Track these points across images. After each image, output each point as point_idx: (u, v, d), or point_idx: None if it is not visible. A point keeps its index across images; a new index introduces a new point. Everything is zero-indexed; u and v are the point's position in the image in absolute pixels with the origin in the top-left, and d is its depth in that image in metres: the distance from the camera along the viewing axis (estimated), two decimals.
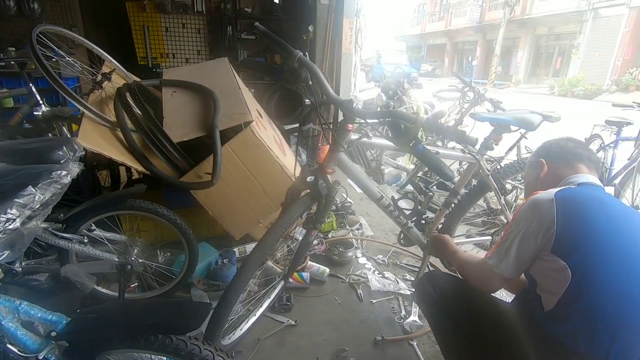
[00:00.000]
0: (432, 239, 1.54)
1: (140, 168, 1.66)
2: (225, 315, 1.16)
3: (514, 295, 1.19)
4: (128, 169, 2.34)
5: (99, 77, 2.00)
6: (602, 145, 3.00)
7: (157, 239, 1.84)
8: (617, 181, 2.75)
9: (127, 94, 1.80)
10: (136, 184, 1.60)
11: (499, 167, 1.82)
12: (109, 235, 1.58)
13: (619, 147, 2.88)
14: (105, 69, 2.10)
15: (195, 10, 4.41)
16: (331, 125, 1.28)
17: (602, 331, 0.84)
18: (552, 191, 0.98)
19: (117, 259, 1.55)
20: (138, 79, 2.28)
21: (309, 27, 3.84)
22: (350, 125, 1.22)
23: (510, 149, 3.05)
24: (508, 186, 1.97)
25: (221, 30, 4.48)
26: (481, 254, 1.48)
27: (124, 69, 2.26)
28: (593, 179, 1.06)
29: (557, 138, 1.20)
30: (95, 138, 1.61)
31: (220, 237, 2.13)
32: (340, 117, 1.25)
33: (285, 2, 4.56)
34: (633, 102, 2.81)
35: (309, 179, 1.27)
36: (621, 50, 13.77)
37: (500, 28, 17.40)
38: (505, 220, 1.83)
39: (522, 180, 2.42)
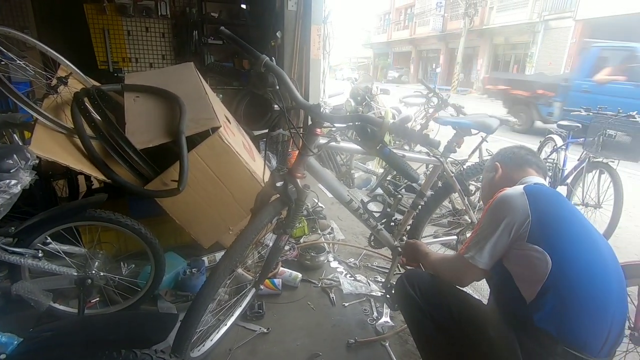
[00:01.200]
0: (404, 247, 1.59)
1: (101, 176, 1.59)
2: (193, 326, 1.12)
3: (489, 297, 1.23)
4: (88, 177, 2.22)
5: (54, 82, 1.89)
6: (555, 147, 3.20)
7: (120, 250, 1.75)
8: (569, 181, 2.94)
9: (86, 99, 1.72)
10: (97, 194, 1.52)
11: (462, 169, 1.90)
12: (66, 248, 1.49)
13: (570, 149, 3.09)
14: (61, 73, 1.99)
15: (159, 14, 4.29)
16: (300, 130, 1.29)
17: (579, 313, 0.92)
18: (519, 187, 1.07)
19: (75, 273, 1.46)
20: (98, 84, 2.18)
21: (277, 33, 3.84)
22: (318, 130, 1.23)
23: (473, 151, 3.20)
24: (471, 187, 2.06)
25: (187, 35, 4.38)
26: (449, 253, 1.54)
27: (81, 73, 2.15)
28: (542, 181, 1.18)
29: (511, 146, 1.33)
30: (50, 145, 1.52)
31: (188, 246, 2.07)
32: (310, 122, 1.26)
33: (253, 8, 4.55)
34: (581, 107, 3.03)
35: (278, 183, 1.27)
36: (569, 60, 14.85)
37: (461, 37, 18.29)
38: (470, 220, 1.91)
39: None
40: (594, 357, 0.92)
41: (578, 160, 2.89)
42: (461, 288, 1.23)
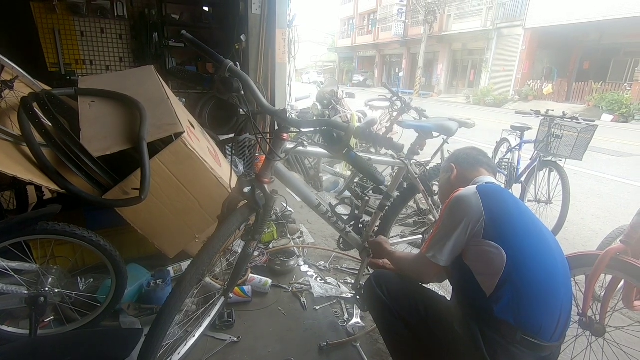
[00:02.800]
0: (371, 244, 1.62)
1: (54, 186, 1.49)
2: (159, 340, 1.07)
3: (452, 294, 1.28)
4: (39, 188, 2.08)
5: None
6: (510, 147, 3.41)
7: (77, 264, 1.65)
8: (523, 179, 3.14)
9: (35, 104, 1.61)
10: (49, 205, 1.42)
11: (425, 170, 1.97)
12: (15, 265, 1.38)
13: (523, 149, 3.30)
14: (5, 76, 1.85)
15: (116, 14, 4.10)
16: (267, 135, 1.28)
17: (533, 301, 0.98)
18: (472, 187, 1.13)
19: (26, 292, 1.36)
20: (48, 88, 2.05)
21: (242, 37, 3.80)
22: (285, 135, 1.23)
23: (435, 153, 3.31)
24: (435, 188, 2.14)
25: (147, 37, 4.21)
26: (411, 252, 1.60)
27: (29, 77, 2.01)
28: (494, 180, 1.26)
29: (464, 147, 1.41)
30: None
31: (152, 257, 1.98)
32: (277, 127, 1.26)
33: (216, 11, 4.47)
34: (531, 110, 3.24)
35: (246, 189, 1.25)
36: (520, 65, 15.90)
37: (422, 43, 19.01)
38: (434, 219, 1.98)
39: None
40: (547, 341, 0.99)
41: (530, 159, 3.09)
42: (426, 286, 1.29)
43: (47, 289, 1.39)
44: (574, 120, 2.82)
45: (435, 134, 1.75)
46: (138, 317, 1.65)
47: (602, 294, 1.46)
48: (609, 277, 1.47)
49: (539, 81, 15.20)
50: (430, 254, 1.13)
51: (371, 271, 2.13)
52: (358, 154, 1.16)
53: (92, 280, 1.70)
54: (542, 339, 0.98)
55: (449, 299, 1.29)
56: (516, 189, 3.19)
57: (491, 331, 1.00)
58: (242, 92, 1.13)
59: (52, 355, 0.79)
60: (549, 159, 2.90)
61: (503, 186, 1.32)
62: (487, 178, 1.25)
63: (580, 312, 1.42)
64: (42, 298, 1.37)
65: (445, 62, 20.33)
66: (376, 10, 25.65)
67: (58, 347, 0.84)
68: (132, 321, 1.63)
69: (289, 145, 1.28)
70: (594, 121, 2.81)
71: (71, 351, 0.81)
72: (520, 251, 1.01)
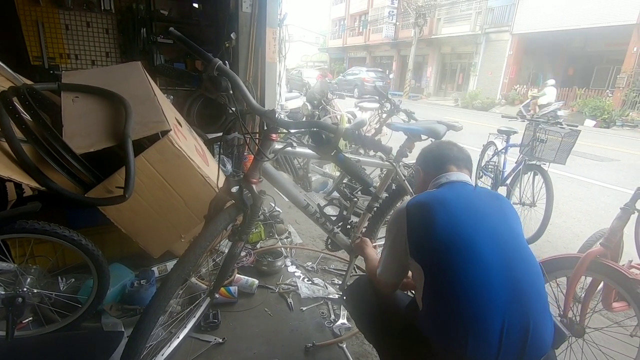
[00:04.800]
0: (356, 242, 1.63)
1: (34, 184, 1.44)
2: (142, 342, 1.05)
3: None
4: (18, 185, 2.01)
5: None
6: (496, 150, 3.46)
7: (57, 264, 1.61)
8: (508, 182, 3.19)
9: (15, 99, 1.56)
10: (29, 202, 1.38)
11: (413, 172, 1.98)
12: None
13: (509, 152, 3.36)
14: None
15: (103, 8, 4.01)
16: (256, 135, 1.27)
17: (453, 322, 0.90)
18: (407, 200, 1.12)
19: (3, 292, 1.31)
20: (29, 82, 1.99)
21: (232, 35, 3.76)
22: (274, 135, 1.22)
23: None
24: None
25: (134, 32, 4.13)
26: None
27: (9, 70, 1.95)
28: (461, 176, 1.14)
29: (431, 144, 1.29)
30: None
31: (136, 256, 1.94)
32: (265, 127, 1.25)
33: (206, 8, 4.41)
34: (517, 113, 3.31)
35: (233, 189, 1.24)
36: (507, 70, 16.20)
37: (412, 45, 19.19)
38: None
39: None
40: (490, 357, 0.88)
41: (516, 162, 3.15)
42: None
43: (25, 289, 1.35)
44: (558, 125, 2.89)
45: (423, 136, 1.76)
46: (121, 318, 1.62)
47: (583, 295, 1.50)
48: (589, 279, 1.51)
49: (525, 86, 15.52)
50: (379, 270, 1.15)
51: (358, 272, 2.14)
52: (347, 155, 1.16)
53: (73, 280, 1.66)
54: (478, 355, 0.87)
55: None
56: (502, 192, 3.24)
57: (420, 343, 0.95)
58: (231, 92, 1.12)
59: (30, 358, 0.77)
60: (534, 162, 2.96)
61: (477, 184, 1.22)
62: (452, 175, 1.13)
63: (562, 313, 1.45)
64: (20, 299, 1.32)
65: (434, 65, 20.56)
66: (367, 12, 25.76)
67: (36, 349, 0.81)
68: (114, 322, 1.59)
69: (278, 146, 1.27)
70: (577, 126, 2.88)
71: (50, 354, 0.78)
72: (438, 270, 0.94)
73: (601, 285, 1.51)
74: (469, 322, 0.88)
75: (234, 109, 1.18)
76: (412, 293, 1.28)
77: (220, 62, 1.11)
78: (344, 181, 3.25)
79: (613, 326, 1.63)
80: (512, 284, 0.91)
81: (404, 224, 1.02)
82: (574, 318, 1.46)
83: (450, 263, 0.93)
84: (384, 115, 3.54)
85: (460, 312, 0.90)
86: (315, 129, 1.16)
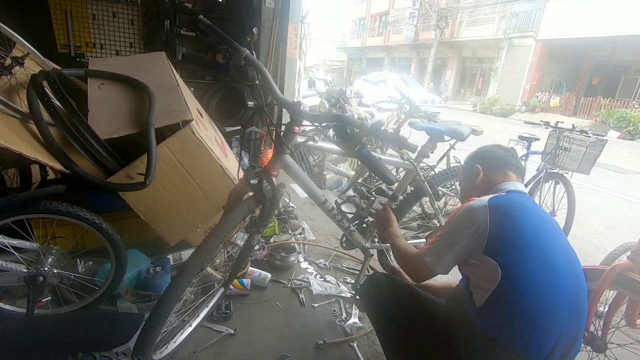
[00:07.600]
0: (378, 211, 1.51)
1: (59, 166, 1.47)
2: (157, 327, 1.06)
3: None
4: (43, 167, 2.07)
5: (8, 61, 1.74)
6: None
7: (77, 246, 1.64)
8: (528, 189, 3.11)
9: (45, 83, 1.59)
10: (52, 185, 1.40)
11: (434, 173, 1.95)
12: (16, 242, 1.37)
13: (529, 159, 3.27)
14: (16, 53, 1.84)
15: None
16: (281, 126, 1.26)
17: (522, 323, 0.93)
18: (485, 198, 1.07)
19: (25, 270, 1.35)
20: (58, 67, 2.03)
21: (253, 29, 3.77)
22: (297, 128, 1.21)
23: (441, 158, 3.29)
24: (440, 192, 2.12)
25: (158, 24, 4.19)
26: (413, 246, 1.55)
27: (40, 55, 2.00)
28: (520, 186, 1.17)
29: (489, 145, 1.30)
30: (1, 130, 1.39)
31: (152, 244, 1.97)
32: (285, 120, 1.24)
33: (229, 2, 4.44)
34: (541, 120, 3.21)
35: (253, 181, 1.24)
36: (529, 76, 15.83)
37: (432, 48, 18.94)
38: (438, 224, 1.97)
39: (451, 188, 2.63)
40: None
41: (536, 170, 3.06)
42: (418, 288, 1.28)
43: (46, 268, 1.38)
44: (584, 134, 2.80)
45: (447, 137, 1.73)
46: (135, 303, 1.64)
47: (604, 309, 1.44)
48: (611, 293, 1.45)
49: (547, 93, 15.14)
50: (429, 258, 1.11)
51: (371, 272, 2.12)
52: (370, 152, 1.14)
53: (91, 263, 1.69)
54: (532, 356, 0.93)
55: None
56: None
57: (475, 343, 0.98)
58: (257, 82, 1.11)
59: (51, 335, 0.78)
60: (556, 171, 2.88)
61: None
62: (513, 185, 1.15)
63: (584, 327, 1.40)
64: (41, 277, 1.36)
65: (454, 68, 20.25)
66: (388, 12, 25.54)
67: (56, 327, 0.83)
68: (129, 306, 1.62)
69: (300, 139, 1.26)
70: (604, 135, 2.78)
71: (70, 332, 0.79)
72: (518, 272, 0.97)
73: (626, 299, 1.45)
74: (537, 325, 0.93)
75: (258, 100, 1.17)
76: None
77: (248, 51, 1.10)
78: (359, 180, 3.23)
79: (635, 344, 1.57)
80: (574, 297, 0.98)
81: (486, 221, 1.01)
82: (595, 332, 1.40)
83: (531, 267, 0.97)
84: (403, 116, 3.51)
85: (531, 314, 0.93)
86: (339, 123, 1.14)
